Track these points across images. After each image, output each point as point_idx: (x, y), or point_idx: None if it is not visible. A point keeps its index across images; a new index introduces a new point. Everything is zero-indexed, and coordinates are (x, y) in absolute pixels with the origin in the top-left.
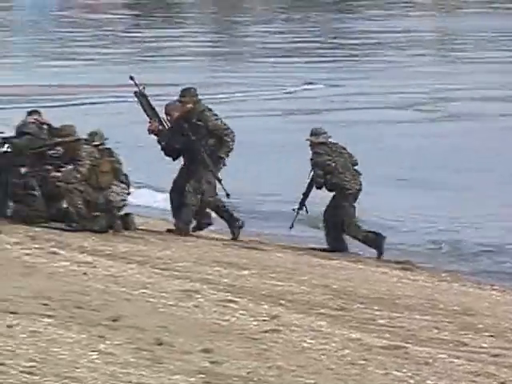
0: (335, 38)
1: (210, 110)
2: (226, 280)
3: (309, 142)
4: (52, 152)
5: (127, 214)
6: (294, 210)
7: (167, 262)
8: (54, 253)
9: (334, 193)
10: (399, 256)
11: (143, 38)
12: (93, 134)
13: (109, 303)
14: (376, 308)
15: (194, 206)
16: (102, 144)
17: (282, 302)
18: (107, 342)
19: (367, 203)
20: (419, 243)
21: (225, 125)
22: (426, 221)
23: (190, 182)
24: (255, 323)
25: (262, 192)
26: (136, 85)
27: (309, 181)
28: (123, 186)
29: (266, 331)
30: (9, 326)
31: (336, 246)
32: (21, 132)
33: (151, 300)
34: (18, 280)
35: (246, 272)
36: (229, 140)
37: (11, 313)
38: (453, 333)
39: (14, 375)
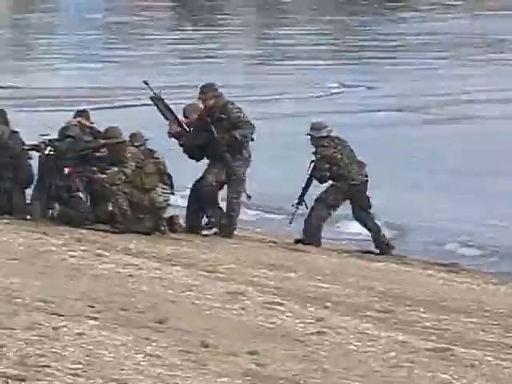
0: (367, 39)
1: (233, 103)
2: (271, 282)
3: (309, 137)
4: (98, 154)
5: (172, 216)
6: (293, 205)
7: (213, 264)
8: (100, 255)
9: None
10: (445, 258)
11: (181, 40)
12: (133, 136)
13: (154, 305)
14: (422, 310)
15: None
16: (142, 145)
17: (328, 304)
18: (153, 344)
19: (409, 206)
20: (464, 245)
21: (246, 117)
22: (470, 222)
23: (231, 190)
24: (301, 325)
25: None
26: (151, 89)
27: (308, 175)
28: (166, 187)
29: (311, 333)
30: (54, 328)
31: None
32: (63, 135)
33: (197, 302)
34: (63, 282)
35: (291, 274)
36: (247, 128)
37: (57, 315)
38: (499, 335)
39: (59, 377)
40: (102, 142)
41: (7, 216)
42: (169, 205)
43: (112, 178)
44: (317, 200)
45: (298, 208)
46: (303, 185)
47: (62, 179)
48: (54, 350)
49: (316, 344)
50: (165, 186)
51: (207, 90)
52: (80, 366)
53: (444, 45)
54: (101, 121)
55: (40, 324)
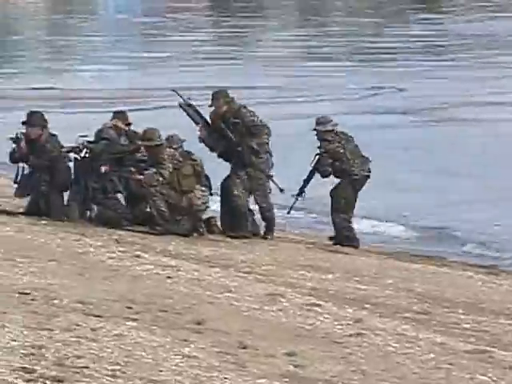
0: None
1: (246, 107)
2: (309, 284)
3: (315, 132)
4: (139, 155)
5: (210, 217)
6: (293, 195)
7: (251, 266)
8: (138, 256)
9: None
10: (485, 260)
11: (213, 41)
12: (170, 138)
13: (193, 306)
14: (461, 312)
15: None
16: (180, 147)
17: (367, 305)
18: (191, 346)
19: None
20: (504, 249)
21: (261, 121)
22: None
23: (257, 196)
24: (339, 327)
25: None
26: (179, 96)
27: (311, 168)
28: (204, 188)
29: (350, 335)
30: (93, 330)
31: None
32: (99, 137)
33: (235, 303)
34: (102, 283)
35: (330, 276)
36: (262, 134)
37: (95, 316)
38: None
39: (97, 378)
40: (139, 143)
41: (45, 217)
42: (207, 206)
43: (149, 179)
44: (332, 198)
45: (297, 199)
46: (305, 177)
47: (97, 181)
48: (92, 351)
49: (354, 346)
50: (203, 188)
51: (219, 96)
52: (118, 367)
53: (478, 46)
54: (139, 122)
55: (78, 325)
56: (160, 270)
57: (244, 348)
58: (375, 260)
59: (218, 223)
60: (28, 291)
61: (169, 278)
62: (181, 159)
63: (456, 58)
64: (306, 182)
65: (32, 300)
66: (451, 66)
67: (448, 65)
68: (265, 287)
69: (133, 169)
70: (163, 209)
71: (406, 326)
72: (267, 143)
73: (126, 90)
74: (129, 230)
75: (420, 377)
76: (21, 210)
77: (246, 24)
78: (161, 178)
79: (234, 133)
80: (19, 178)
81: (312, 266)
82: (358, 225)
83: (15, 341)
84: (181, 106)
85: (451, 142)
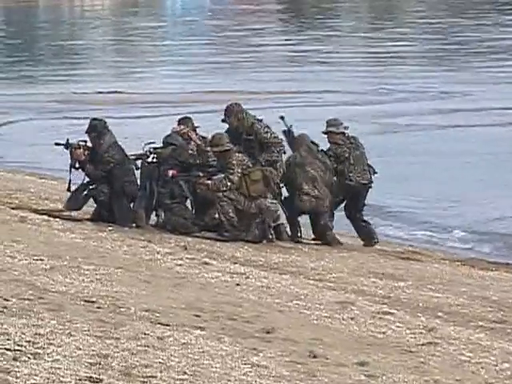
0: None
1: (261, 120)
2: (381, 291)
3: (326, 134)
4: (209, 160)
5: (280, 224)
6: None
7: (321, 273)
8: (206, 263)
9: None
10: None
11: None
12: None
13: (262, 315)
14: None
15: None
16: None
17: (440, 314)
18: (260, 355)
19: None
20: None
21: (275, 137)
22: None
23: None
24: (412, 336)
25: (415, 198)
26: (285, 124)
27: None
28: (274, 195)
29: (422, 344)
30: (160, 338)
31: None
32: (167, 143)
33: (305, 312)
34: (169, 291)
35: (402, 283)
36: (274, 151)
37: (162, 324)
38: None
39: None
40: (207, 149)
41: (112, 224)
42: (277, 213)
43: (217, 184)
44: None
45: None
46: None
47: (164, 186)
48: (159, 360)
49: (427, 355)
50: (272, 194)
51: (229, 113)
52: (186, 377)
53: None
54: (209, 126)
55: (145, 334)
56: (228, 277)
57: (314, 357)
58: (448, 267)
59: (288, 230)
60: (94, 299)
61: (237, 285)
62: (250, 164)
63: None
64: None
65: (98, 308)
66: None
67: None
68: (335, 295)
69: (201, 173)
70: (232, 215)
71: (480, 334)
72: (276, 160)
73: (194, 93)
74: (197, 237)
75: None
76: (87, 217)
77: (322, 26)
78: (229, 183)
79: (248, 149)
80: (72, 188)
81: (384, 274)
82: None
83: (81, 349)
84: (284, 132)
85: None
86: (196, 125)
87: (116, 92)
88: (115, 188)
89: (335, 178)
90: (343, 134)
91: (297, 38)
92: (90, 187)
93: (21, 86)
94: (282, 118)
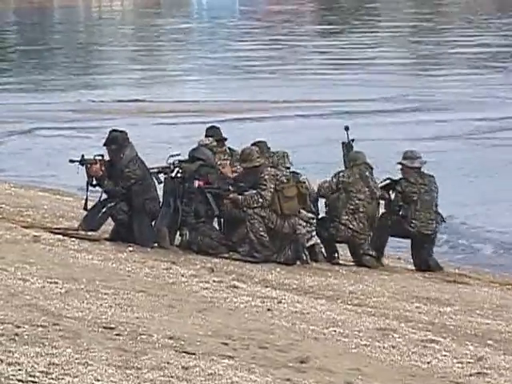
0: None
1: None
2: (426, 317)
3: (400, 166)
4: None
5: (314, 244)
6: None
7: (360, 297)
8: (235, 286)
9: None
10: None
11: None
12: (276, 156)
13: (295, 343)
14: None
15: None
16: (289, 167)
17: (489, 342)
18: None
19: None
20: None
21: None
22: None
23: None
24: (459, 365)
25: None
26: (347, 136)
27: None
28: (310, 215)
29: (471, 374)
30: (185, 368)
31: None
32: (193, 157)
33: (342, 339)
34: (195, 317)
35: (448, 308)
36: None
37: (187, 353)
38: None
39: None
40: (237, 165)
41: (132, 244)
42: (311, 232)
43: (248, 200)
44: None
45: None
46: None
47: (188, 203)
48: None
49: None
50: (308, 212)
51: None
52: None
53: None
54: (237, 138)
55: (169, 363)
56: (259, 301)
57: None
58: (498, 291)
59: (323, 250)
60: (113, 326)
61: (269, 310)
62: (285, 180)
63: None
64: None
65: (118, 335)
66: None
67: None
68: (376, 321)
69: (231, 187)
70: (263, 233)
71: None
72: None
73: (221, 102)
74: (224, 258)
75: None
76: (105, 236)
77: (362, 27)
78: (261, 200)
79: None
80: (88, 207)
81: (428, 298)
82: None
83: (99, 381)
84: (343, 144)
85: None
86: (224, 136)
87: (137, 100)
88: (135, 205)
89: (400, 213)
90: (418, 169)
91: (340, 42)
92: (109, 205)
93: (33, 93)
94: (346, 128)
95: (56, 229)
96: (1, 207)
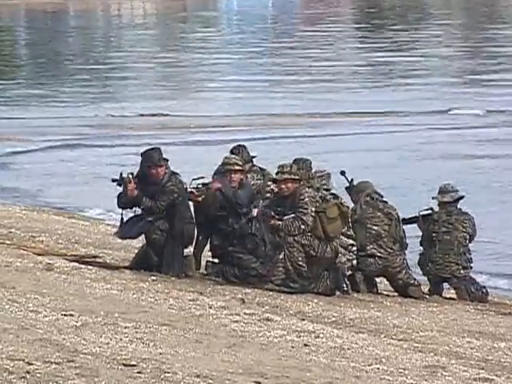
0: None
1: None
2: (478, 354)
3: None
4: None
5: (355, 273)
6: None
7: (406, 332)
8: (268, 319)
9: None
10: None
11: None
12: (316, 175)
13: (335, 381)
14: None
15: None
16: (328, 189)
17: None
18: None
19: None
20: None
21: None
22: None
23: None
24: None
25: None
26: (347, 180)
27: (417, 216)
28: (350, 241)
29: None
30: None
31: None
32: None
33: (387, 377)
34: (224, 352)
35: (503, 344)
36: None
37: None
38: None
39: None
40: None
41: (155, 273)
42: (352, 261)
43: (288, 226)
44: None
45: None
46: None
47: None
48: None
49: None
50: (349, 232)
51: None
52: None
53: None
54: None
55: None
56: (295, 336)
57: None
58: None
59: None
60: (134, 362)
61: (305, 346)
62: (323, 201)
63: None
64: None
65: (139, 373)
66: None
67: None
68: (423, 358)
69: (270, 212)
70: (301, 263)
71: None
72: None
73: (251, 116)
74: (256, 288)
75: None
76: (126, 264)
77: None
78: (303, 226)
79: None
80: (125, 219)
81: (481, 332)
82: None
83: None
84: (347, 189)
85: None
86: (252, 154)
87: (160, 114)
88: (176, 227)
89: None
90: (450, 204)
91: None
92: (148, 218)
93: (45, 106)
94: (342, 173)
95: (71, 256)
96: (11, 232)
